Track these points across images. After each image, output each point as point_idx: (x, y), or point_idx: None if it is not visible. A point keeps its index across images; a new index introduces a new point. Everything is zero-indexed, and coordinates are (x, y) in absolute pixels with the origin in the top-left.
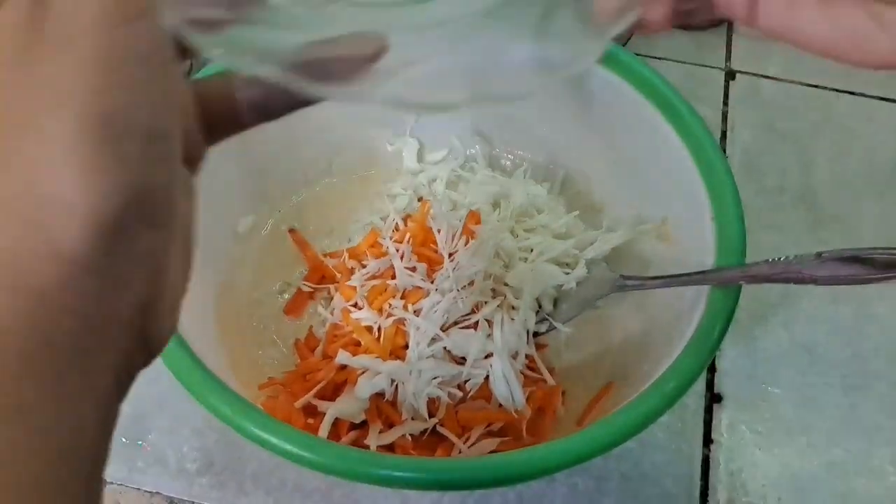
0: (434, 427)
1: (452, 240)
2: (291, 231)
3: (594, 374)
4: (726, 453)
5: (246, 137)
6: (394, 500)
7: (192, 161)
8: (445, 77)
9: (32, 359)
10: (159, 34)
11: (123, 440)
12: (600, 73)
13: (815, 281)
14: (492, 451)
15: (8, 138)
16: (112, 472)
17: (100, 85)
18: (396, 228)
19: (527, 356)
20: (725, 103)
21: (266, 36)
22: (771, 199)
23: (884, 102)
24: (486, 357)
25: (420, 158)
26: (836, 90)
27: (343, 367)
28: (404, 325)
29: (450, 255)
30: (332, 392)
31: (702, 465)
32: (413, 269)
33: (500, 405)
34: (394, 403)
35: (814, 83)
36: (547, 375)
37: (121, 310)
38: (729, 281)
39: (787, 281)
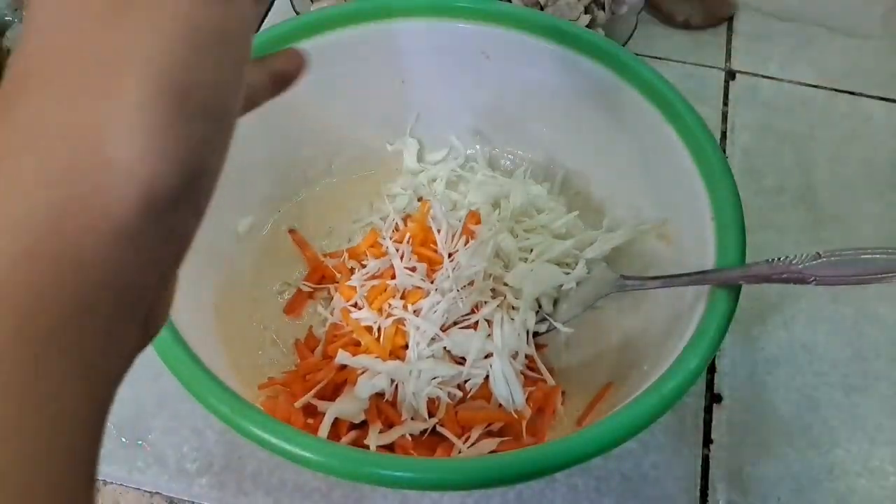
0: (434, 427)
1: (452, 240)
2: (291, 231)
3: (594, 374)
4: (726, 453)
5: (246, 137)
6: (394, 500)
7: None
8: None
9: (63, 332)
10: (249, 18)
11: (123, 440)
12: (600, 73)
13: (815, 281)
14: (492, 451)
15: (83, 92)
16: (112, 471)
17: (185, 59)
18: (396, 228)
19: (527, 356)
20: (725, 103)
21: None
22: (770, 199)
23: (883, 102)
24: (486, 357)
25: (420, 158)
26: (836, 90)
27: (343, 367)
28: (404, 325)
29: (450, 255)
30: (332, 392)
31: (701, 465)
32: (413, 269)
33: (500, 405)
34: (394, 403)
35: (814, 83)
36: (547, 375)
37: (148, 288)
38: (729, 281)
39: (787, 281)
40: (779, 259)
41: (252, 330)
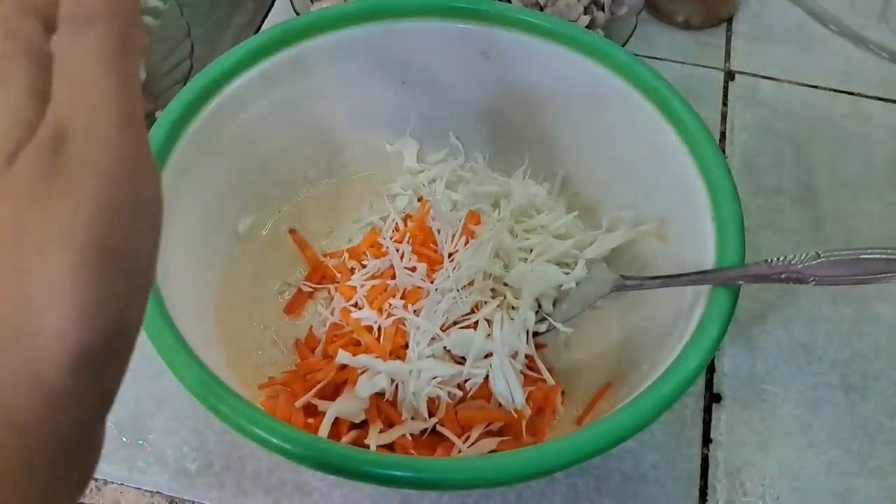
0: (434, 427)
1: (452, 240)
2: (291, 231)
3: (594, 374)
4: (726, 453)
5: (246, 138)
6: (394, 500)
7: None
8: None
9: (6, 489)
10: (159, 186)
11: (123, 440)
12: (600, 74)
13: (814, 281)
14: (492, 451)
15: (12, 268)
16: (112, 471)
17: (103, 232)
18: (396, 228)
19: (526, 356)
20: (725, 103)
21: None
22: (770, 200)
23: (883, 103)
24: (486, 357)
25: (420, 158)
26: (836, 90)
27: (343, 367)
28: (404, 324)
29: (450, 255)
30: (332, 392)
31: (701, 465)
32: (413, 269)
33: (500, 405)
34: (394, 403)
35: (813, 83)
36: (546, 375)
37: (82, 441)
38: (728, 281)
39: (786, 281)
40: (778, 259)
41: (252, 330)
